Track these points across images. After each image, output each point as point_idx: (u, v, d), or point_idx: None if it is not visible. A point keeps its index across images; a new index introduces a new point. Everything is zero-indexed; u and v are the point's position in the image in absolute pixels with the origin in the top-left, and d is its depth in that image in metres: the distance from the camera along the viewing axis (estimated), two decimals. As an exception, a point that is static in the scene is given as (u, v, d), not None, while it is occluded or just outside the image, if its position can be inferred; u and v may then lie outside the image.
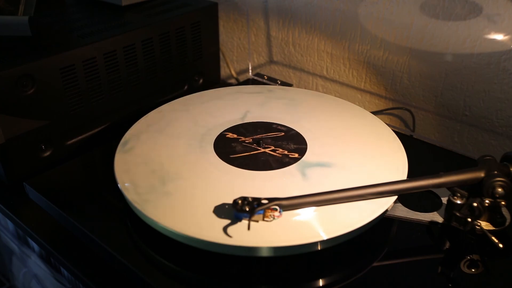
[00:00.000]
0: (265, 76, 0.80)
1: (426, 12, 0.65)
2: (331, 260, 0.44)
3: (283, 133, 0.56)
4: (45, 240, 0.50)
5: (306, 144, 0.54)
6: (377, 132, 0.56)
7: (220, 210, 0.44)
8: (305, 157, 0.52)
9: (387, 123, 0.62)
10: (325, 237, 0.41)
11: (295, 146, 0.53)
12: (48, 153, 0.59)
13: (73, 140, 0.62)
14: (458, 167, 0.47)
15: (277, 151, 0.53)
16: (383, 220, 0.46)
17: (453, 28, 0.63)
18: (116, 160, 0.51)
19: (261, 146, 0.54)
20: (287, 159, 0.51)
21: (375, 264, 0.44)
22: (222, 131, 0.56)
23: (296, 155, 0.52)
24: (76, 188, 0.54)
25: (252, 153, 0.52)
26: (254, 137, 0.55)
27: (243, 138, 0.55)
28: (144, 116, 0.59)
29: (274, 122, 0.58)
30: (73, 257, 0.48)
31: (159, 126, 0.58)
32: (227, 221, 0.43)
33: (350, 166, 0.51)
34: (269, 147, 0.53)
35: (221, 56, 0.85)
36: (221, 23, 0.92)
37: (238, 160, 0.51)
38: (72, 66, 0.58)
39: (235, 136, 0.55)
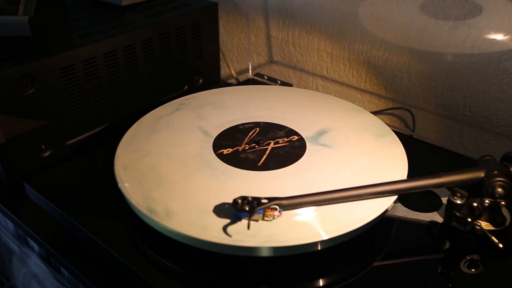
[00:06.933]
0: (265, 76, 0.80)
1: (426, 12, 0.65)
2: (331, 260, 0.44)
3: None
4: (45, 240, 0.50)
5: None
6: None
7: (220, 210, 0.44)
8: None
9: (387, 123, 0.62)
10: (325, 237, 0.41)
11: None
12: (48, 153, 0.59)
13: (73, 140, 0.61)
14: (458, 167, 0.47)
15: (276, 151, 0.53)
16: (383, 220, 0.46)
17: (453, 28, 0.63)
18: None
19: (261, 145, 0.54)
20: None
21: (375, 264, 0.44)
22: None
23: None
24: (76, 188, 0.54)
25: (252, 152, 0.52)
26: (254, 137, 0.55)
27: (243, 138, 0.55)
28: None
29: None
30: (73, 257, 0.48)
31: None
32: (227, 221, 0.43)
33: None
34: (268, 148, 0.53)
35: (221, 56, 0.85)
36: (221, 23, 0.92)
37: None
38: (72, 66, 0.58)
39: (235, 135, 0.56)
